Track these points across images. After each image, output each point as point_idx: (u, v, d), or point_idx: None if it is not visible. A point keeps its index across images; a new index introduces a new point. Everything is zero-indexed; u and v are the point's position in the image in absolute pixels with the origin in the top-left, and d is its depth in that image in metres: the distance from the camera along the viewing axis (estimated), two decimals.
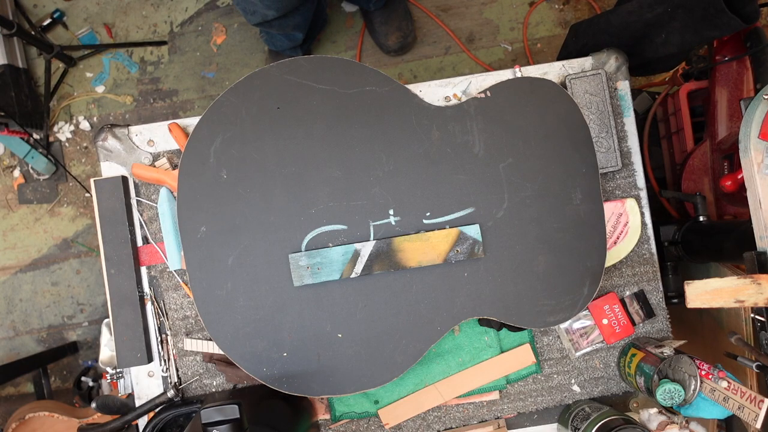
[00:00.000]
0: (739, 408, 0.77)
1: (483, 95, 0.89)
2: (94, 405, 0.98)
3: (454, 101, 0.99)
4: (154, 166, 0.98)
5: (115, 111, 1.85)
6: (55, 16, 1.82)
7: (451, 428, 1.00)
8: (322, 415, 0.99)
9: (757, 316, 0.81)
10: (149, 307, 0.98)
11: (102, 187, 0.96)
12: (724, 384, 0.80)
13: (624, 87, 0.98)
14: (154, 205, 0.98)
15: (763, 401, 0.74)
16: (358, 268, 0.87)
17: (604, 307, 0.96)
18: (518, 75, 0.98)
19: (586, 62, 0.99)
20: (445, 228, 0.88)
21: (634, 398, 0.99)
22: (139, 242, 0.98)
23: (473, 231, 0.87)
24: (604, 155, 0.95)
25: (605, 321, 0.96)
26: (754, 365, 0.81)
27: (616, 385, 0.99)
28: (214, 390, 0.98)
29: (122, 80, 1.84)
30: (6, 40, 1.72)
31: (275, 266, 0.87)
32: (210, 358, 0.97)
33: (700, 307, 0.75)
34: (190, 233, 0.88)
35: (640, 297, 0.98)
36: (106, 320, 1.01)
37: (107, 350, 1.05)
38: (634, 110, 1.02)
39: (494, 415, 0.99)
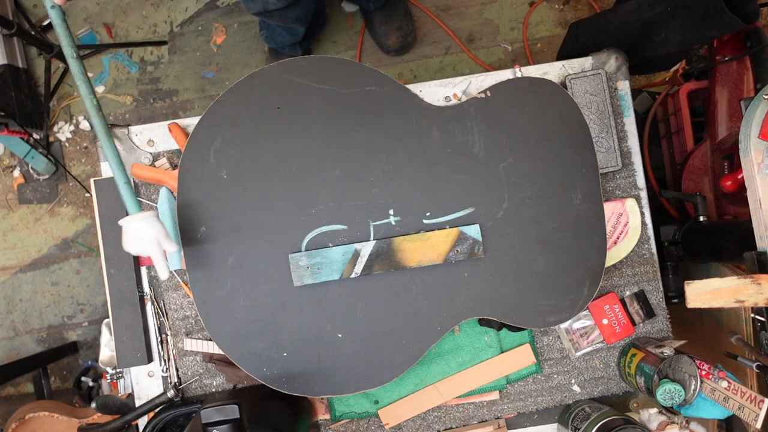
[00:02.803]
0: (739, 408, 0.77)
1: (483, 95, 0.89)
2: (94, 405, 0.98)
3: (454, 101, 0.99)
4: (154, 166, 0.98)
5: (115, 111, 1.84)
6: None
7: (451, 428, 1.00)
8: (322, 415, 0.99)
9: (757, 316, 0.81)
10: (149, 307, 0.98)
11: (102, 187, 0.96)
12: (724, 384, 0.80)
13: (624, 87, 0.98)
14: (154, 205, 0.98)
15: (763, 401, 0.74)
16: (358, 268, 0.87)
17: (604, 307, 0.96)
18: (518, 75, 0.98)
19: (586, 62, 0.99)
20: (445, 228, 0.88)
21: (634, 398, 0.98)
22: None
23: (473, 231, 0.87)
24: (604, 155, 0.95)
25: (605, 321, 0.96)
26: (754, 365, 0.80)
27: (616, 385, 0.99)
28: (214, 390, 0.98)
29: (122, 80, 1.84)
30: (6, 40, 1.71)
31: (275, 266, 0.87)
32: (210, 358, 0.97)
33: (700, 307, 0.75)
34: (190, 233, 0.88)
35: (640, 297, 0.98)
36: (106, 320, 1.01)
37: (107, 350, 1.05)
38: (634, 110, 1.02)
39: (494, 415, 0.99)
